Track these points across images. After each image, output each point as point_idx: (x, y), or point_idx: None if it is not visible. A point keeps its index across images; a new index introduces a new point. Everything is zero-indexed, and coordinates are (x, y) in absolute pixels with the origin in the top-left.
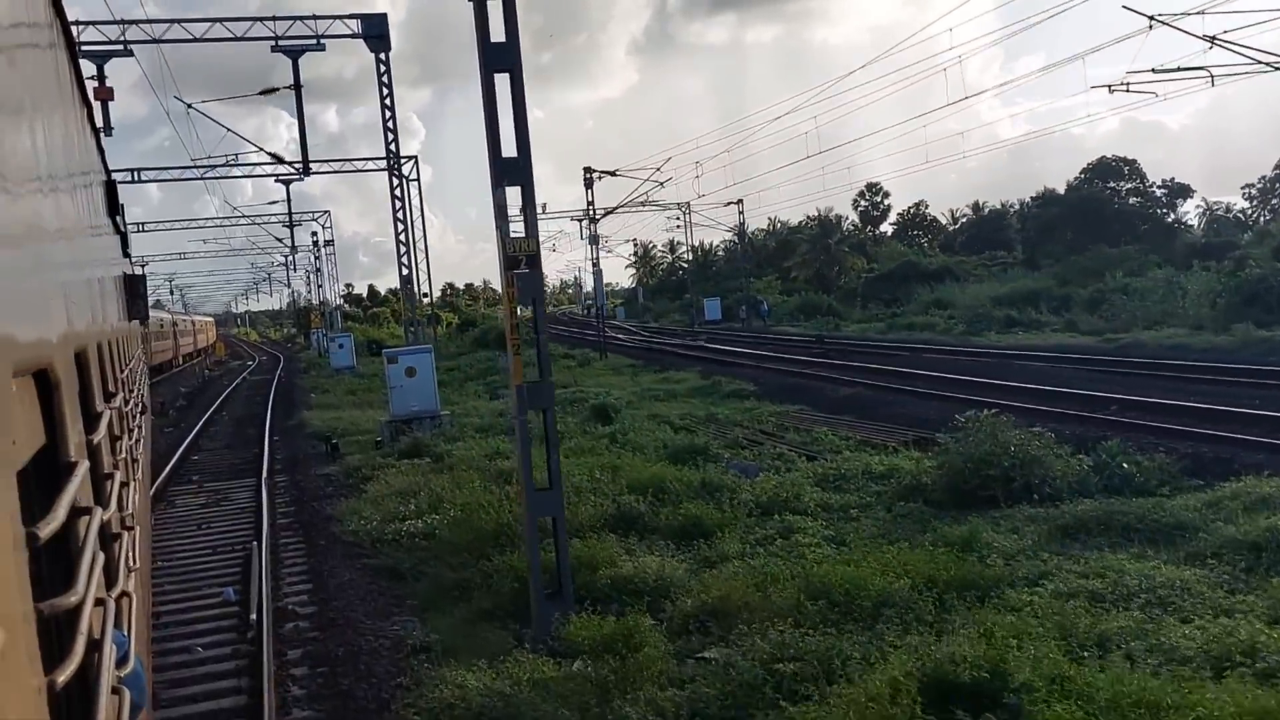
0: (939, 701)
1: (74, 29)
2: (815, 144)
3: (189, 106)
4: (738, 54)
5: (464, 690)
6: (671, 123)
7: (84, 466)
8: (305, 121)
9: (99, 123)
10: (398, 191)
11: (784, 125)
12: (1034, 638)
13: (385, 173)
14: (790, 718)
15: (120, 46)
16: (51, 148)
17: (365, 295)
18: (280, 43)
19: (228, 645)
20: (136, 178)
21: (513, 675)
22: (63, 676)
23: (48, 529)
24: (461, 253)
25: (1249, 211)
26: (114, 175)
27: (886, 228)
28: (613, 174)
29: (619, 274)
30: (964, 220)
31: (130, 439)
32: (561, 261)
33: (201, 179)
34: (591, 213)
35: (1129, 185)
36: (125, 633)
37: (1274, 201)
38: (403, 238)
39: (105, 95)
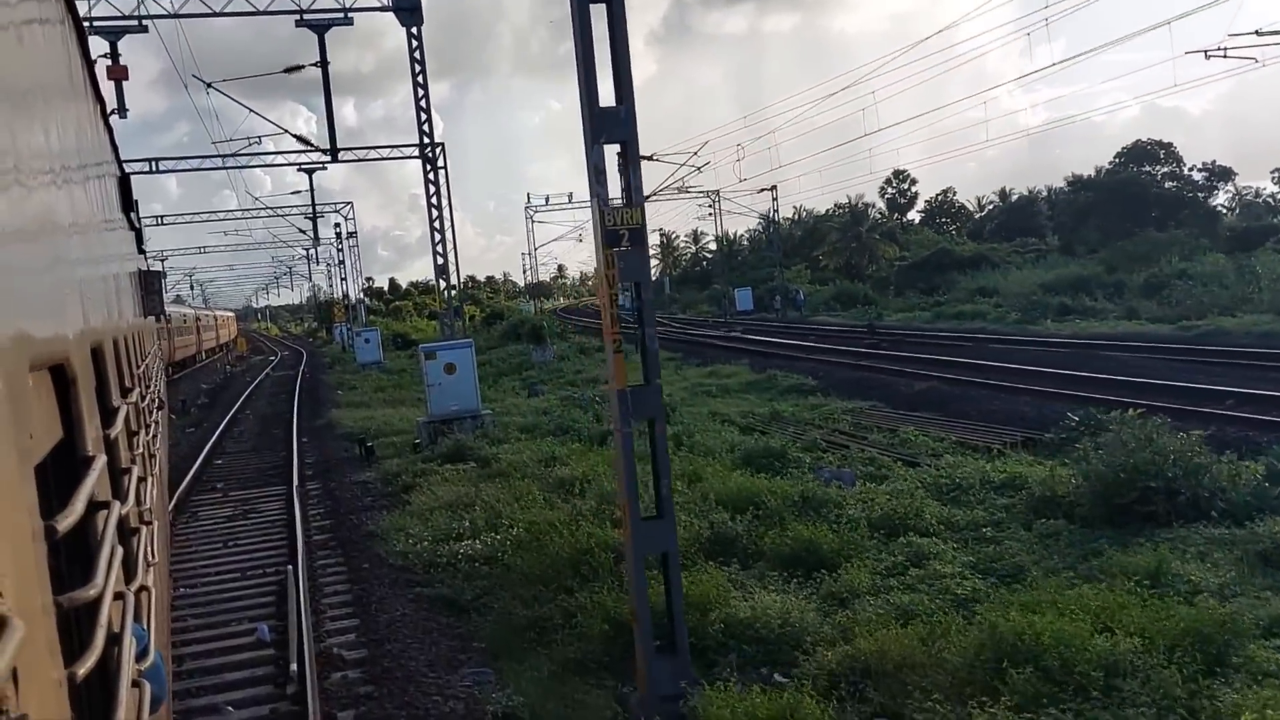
0: None
1: (84, 4)
2: (840, 134)
3: (209, 86)
4: (756, 43)
5: None
6: (690, 113)
7: (101, 461)
8: (331, 105)
9: (112, 106)
10: (431, 176)
11: (811, 113)
12: None
13: (412, 160)
14: None
15: (134, 22)
16: (63, 142)
17: (386, 289)
18: (305, 17)
19: (264, 703)
20: (155, 168)
21: None
22: (83, 670)
23: (66, 522)
24: (480, 246)
25: (1279, 196)
26: (130, 166)
27: (914, 215)
28: (650, 158)
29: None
30: (991, 207)
31: (147, 434)
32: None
33: (223, 167)
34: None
35: (1165, 169)
36: (145, 627)
37: None
38: (437, 224)
39: (119, 75)
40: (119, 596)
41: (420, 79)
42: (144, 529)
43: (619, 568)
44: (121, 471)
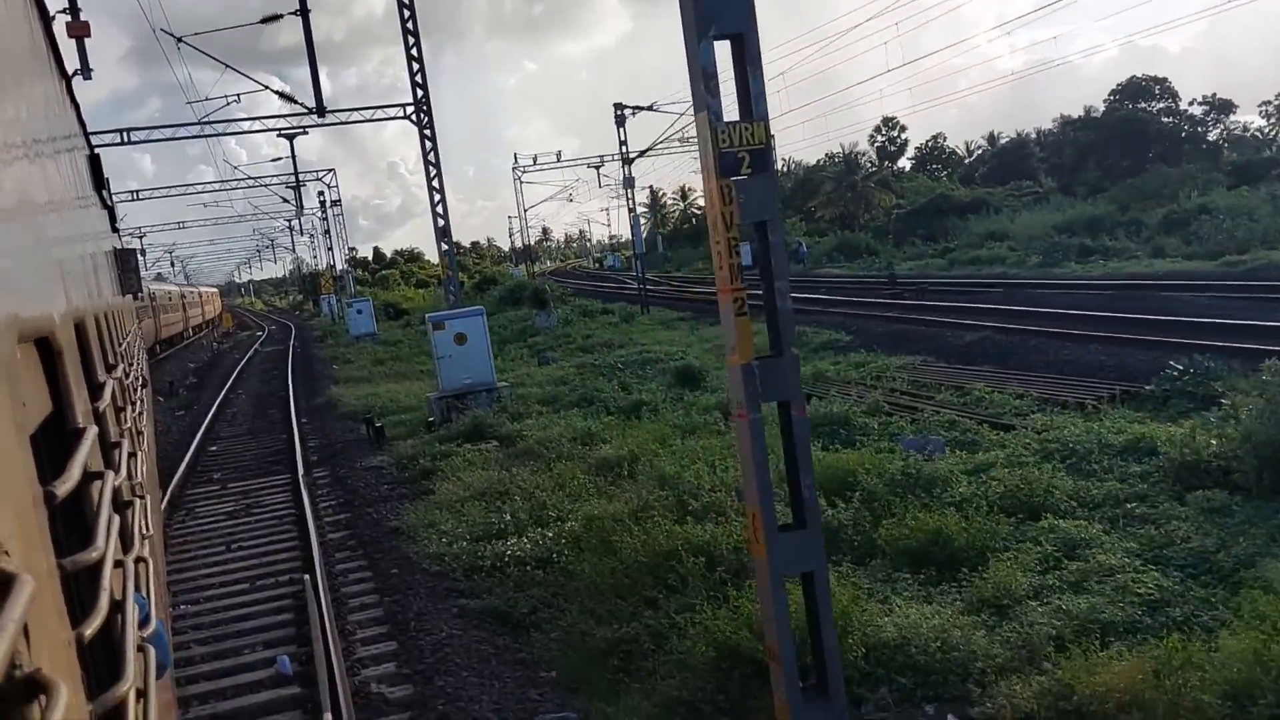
0: None
1: None
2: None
3: (179, 40)
4: None
5: None
6: (671, 69)
7: (93, 432)
8: (315, 57)
9: (74, 67)
10: (428, 133)
11: (790, 66)
12: None
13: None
14: None
15: None
16: (31, 115)
17: (371, 258)
18: None
19: None
20: (126, 139)
21: None
22: (89, 630)
23: (64, 488)
24: (462, 211)
25: (1266, 130)
26: (100, 139)
27: (904, 163)
28: (649, 108)
29: (627, 225)
30: (981, 151)
31: (134, 411)
32: (573, 213)
33: (200, 135)
34: (625, 153)
35: (1161, 105)
36: (144, 596)
37: None
38: (435, 183)
39: (81, 32)
40: (119, 565)
41: (413, 37)
42: (137, 502)
43: (712, 575)
44: (112, 445)
